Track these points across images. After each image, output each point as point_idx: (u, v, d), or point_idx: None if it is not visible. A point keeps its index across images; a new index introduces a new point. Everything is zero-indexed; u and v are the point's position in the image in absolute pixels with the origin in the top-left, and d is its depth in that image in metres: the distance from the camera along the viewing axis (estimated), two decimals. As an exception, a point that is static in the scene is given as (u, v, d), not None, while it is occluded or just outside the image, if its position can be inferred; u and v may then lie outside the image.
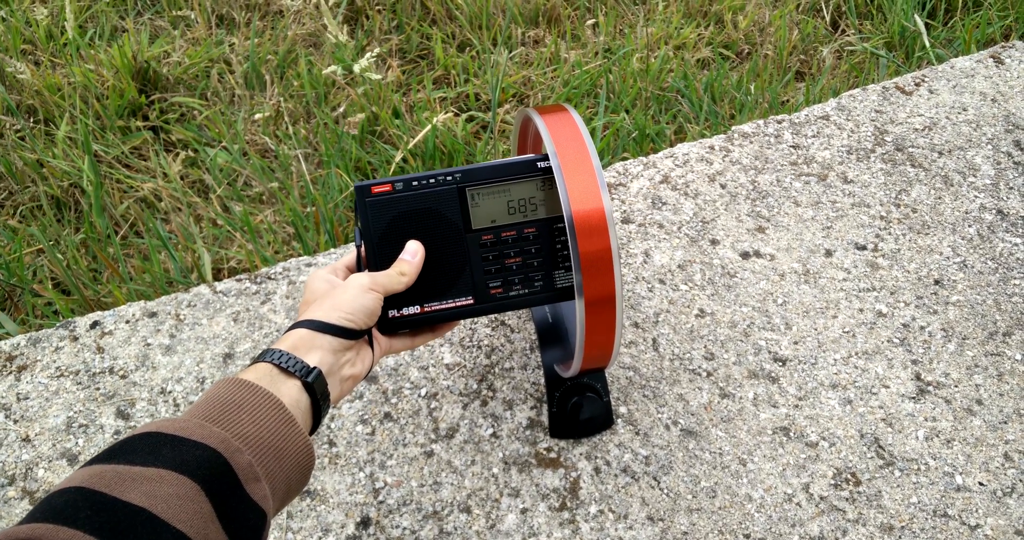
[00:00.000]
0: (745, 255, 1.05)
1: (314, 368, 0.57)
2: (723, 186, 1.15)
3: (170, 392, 0.88)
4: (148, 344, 0.93)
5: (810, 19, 1.94)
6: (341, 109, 1.56)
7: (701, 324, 0.97)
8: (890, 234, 1.09)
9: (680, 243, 1.07)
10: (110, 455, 0.45)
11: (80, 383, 0.89)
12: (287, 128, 1.54)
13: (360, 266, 0.68)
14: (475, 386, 0.90)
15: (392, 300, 0.67)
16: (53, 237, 1.30)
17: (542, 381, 0.91)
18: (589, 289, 0.69)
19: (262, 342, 0.93)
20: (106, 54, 1.64)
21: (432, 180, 0.68)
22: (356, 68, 1.51)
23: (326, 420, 0.86)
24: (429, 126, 1.44)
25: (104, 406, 0.87)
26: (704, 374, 0.92)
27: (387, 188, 0.68)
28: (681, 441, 0.85)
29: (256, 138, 1.55)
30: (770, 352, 0.94)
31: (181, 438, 0.46)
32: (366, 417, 0.87)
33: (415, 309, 0.69)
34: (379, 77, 1.54)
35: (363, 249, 0.68)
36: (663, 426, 0.87)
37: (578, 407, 0.83)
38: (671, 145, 1.49)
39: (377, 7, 1.86)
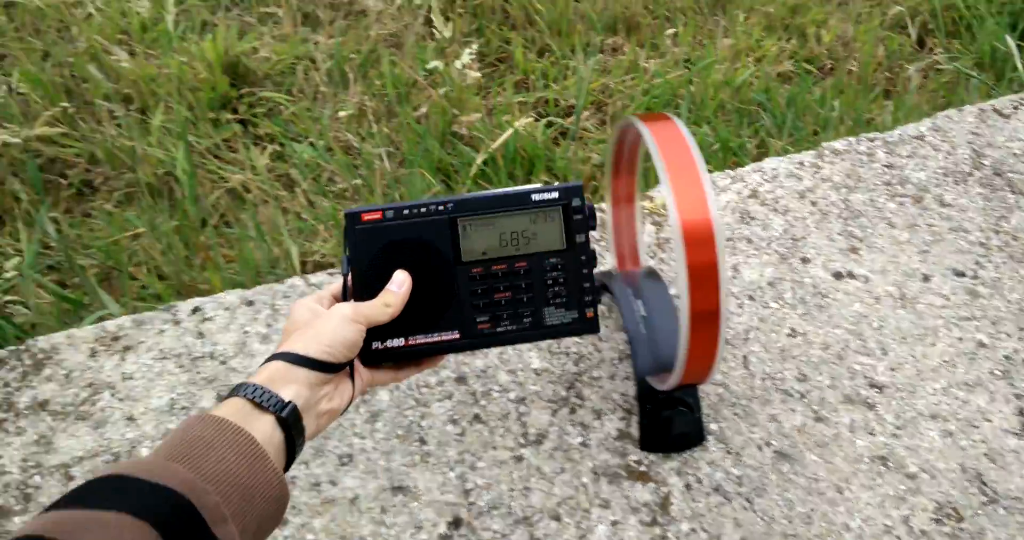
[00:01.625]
0: (838, 275, 1.04)
1: (289, 403, 0.55)
2: (814, 203, 1.14)
3: (266, 382, 0.90)
4: (246, 332, 0.95)
5: (895, 36, 1.90)
6: (423, 110, 1.58)
7: (793, 344, 0.96)
8: (990, 262, 1.06)
9: (770, 260, 1.06)
10: (71, 500, 0.44)
11: (182, 366, 0.91)
12: (370, 126, 1.57)
13: (346, 295, 0.66)
14: (563, 393, 0.91)
15: (376, 331, 0.65)
16: (149, 223, 1.34)
17: (631, 392, 0.91)
18: (694, 301, 0.69)
19: (355, 337, 0.95)
20: (197, 47, 1.69)
21: (424, 209, 0.67)
22: (458, 64, 1.53)
23: (415, 418, 0.87)
24: (511, 130, 1.45)
25: (205, 390, 0.89)
26: (797, 396, 0.91)
27: (378, 216, 0.67)
28: (774, 463, 0.85)
29: (339, 135, 1.57)
30: (866, 377, 0.92)
31: (144, 481, 0.45)
32: (456, 417, 0.88)
33: (399, 341, 0.66)
34: (477, 74, 1.56)
35: (350, 277, 0.66)
36: (755, 446, 0.86)
37: (670, 421, 0.83)
38: (754, 159, 1.47)
39: (459, 10, 1.88)
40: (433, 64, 1.60)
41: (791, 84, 1.76)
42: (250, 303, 0.98)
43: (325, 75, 1.70)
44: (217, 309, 0.97)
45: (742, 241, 1.08)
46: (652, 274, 0.93)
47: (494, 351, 0.94)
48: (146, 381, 0.90)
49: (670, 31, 1.83)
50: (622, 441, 0.86)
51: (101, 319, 1.03)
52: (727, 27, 1.92)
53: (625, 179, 0.92)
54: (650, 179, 1.33)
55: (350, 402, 0.63)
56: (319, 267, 1.30)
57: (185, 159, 1.40)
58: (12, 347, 0.94)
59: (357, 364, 0.65)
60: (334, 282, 0.69)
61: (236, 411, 0.53)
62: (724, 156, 1.52)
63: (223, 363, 0.92)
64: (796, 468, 0.84)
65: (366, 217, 0.67)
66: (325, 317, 0.61)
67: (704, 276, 0.68)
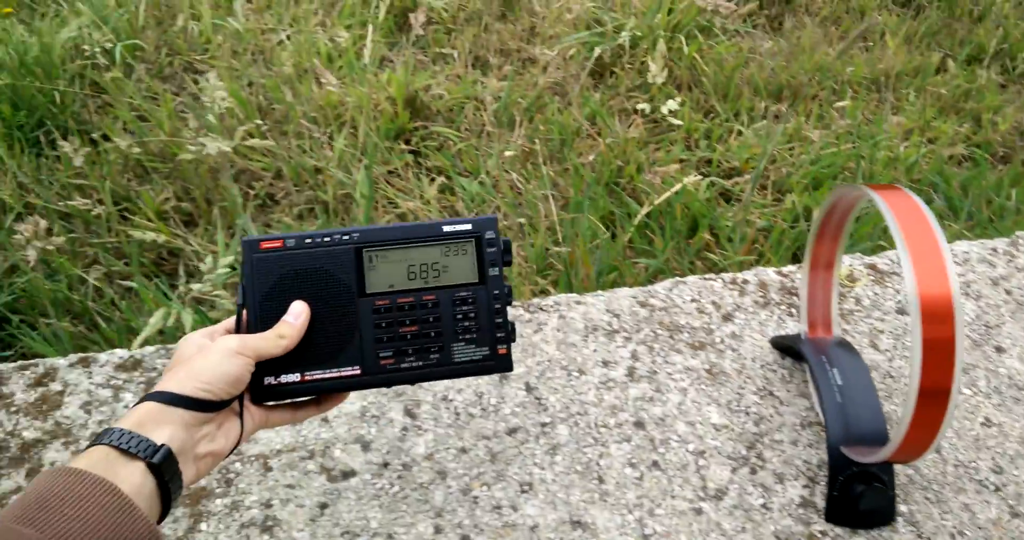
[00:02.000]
0: (1035, 368, 0.99)
1: (161, 446, 0.51)
2: (1008, 292, 1.10)
3: (451, 400, 0.93)
4: (432, 353, 0.98)
5: (1077, 129, 1.84)
6: (590, 157, 1.62)
7: (987, 434, 0.92)
8: None
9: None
10: None
11: (372, 378, 0.95)
12: (539, 169, 1.62)
13: (239, 328, 0.62)
14: (743, 452, 0.89)
15: (269, 366, 0.61)
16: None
17: (814, 460, 0.89)
18: (926, 378, 0.67)
19: (535, 368, 0.97)
20: (377, 80, 1.80)
21: (328, 239, 0.64)
22: (664, 109, 1.58)
23: (593, 457, 0.88)
24: (679, 185, 1.47)
25: (394, 402, 0.93)
26: (992, 488, 0.87)
27: (278, 244, 0.64)
28: (968, 554, 0.81)
29: (504, 173, 1.63)
30: (1072, 478, 0.87)
31: None
32: (634, 461, 0.88)
33: (295, 377, 0.63)
34: (680, 122, 1.61)
35: (244, 310, 0.63)
36: (947, 534, 0.82)
37: (862, 496, 0.81)
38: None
39: (627, 66, 1.93)
40: (642, 106, 1.66)
41: (961, 168, 1.72)
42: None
43: (492, 116, 1.78)
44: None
45: (928, 321, 1.05)
46: (845, 344, 0.92)
47: (672, 400, 0.94)
48: (339, 386, 0.94)
49: (840, 104, 1.83)
50: (805, 509, 0.84)
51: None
52: (895, 105, 1.90)
53: (828, 245, 0.92)
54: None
55: (238, 442, 0.59)
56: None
57: (365, 182, 1.48)
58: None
59: (248, 402, 0.61)
60: (232, 317, 0.65)
61: (98, 461, 0.49)
62: (892, 233, 1.49)
63: (411, 378, 0.95)
64: (994, 564, 0.80)
65: (265, 245, 0.64)
66: (205, 351, 0.57)
67: (939, 352, 0.67)
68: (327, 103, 1.71)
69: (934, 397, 0.68)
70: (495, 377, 0.95)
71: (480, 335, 0.65)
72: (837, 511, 0.82)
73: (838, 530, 0.82)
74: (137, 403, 0.54)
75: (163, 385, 0.55)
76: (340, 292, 0.64)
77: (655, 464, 0.88)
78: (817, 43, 2.08)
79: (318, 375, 0.63)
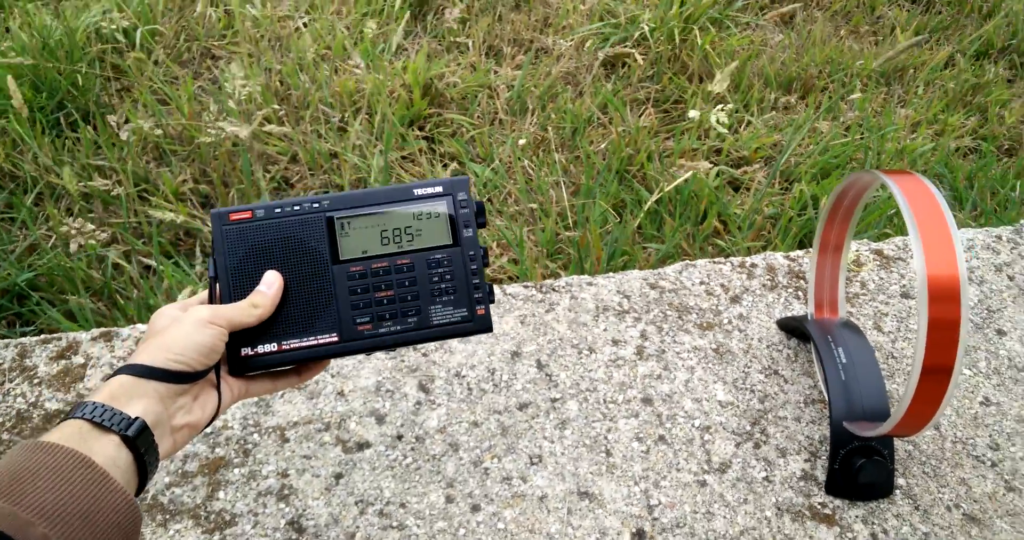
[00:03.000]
0: (1035, 352, 1.02)
1: (135, 419, 0.51)
2: (1011, 278, 1.12)
3: (464, 376, 0.96)
4: (446, 329, 1.01)
5: (1084, 123, 1.85)
6: (603, 146, 1.64)
7: (986, 412, 0.94)
8: None
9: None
10: None
11: (389, 353, 0.98)
12: (551, 156, 1.64)
13: (213, 299, 0.62)
14: (748, 427, 0.92)
15: (245, 336, 0.61)
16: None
17: (817, 436, 0.91)
18: (930, 356, 0.69)
19: (546, 347, 1.00)
20: (394, 67, 1.82)
21: (297, 207, 0.64)
22: (713, 118, 1.60)
23: (602, 431, 0.91)
24: (689, 172, 1.49)
25: (408, 377, 0.95)
26: (988, 463, 0.89)
27: (247, 215, 0.63)
28: (963, 525, 0.83)
29: (516, 160, 1.65)
30: (1068, 456, 0.90)
31: None
32: (641, 435, 0.91)
33: (271, 347, 0.62)
34: (726, 131, 1.63)
35: (217, 283, 0.63)
36: (944, 506, 0.85)
37: (862, 469, 0.83)
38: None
39: (638, 57, 1.95)
40: (692, 114, 1.69)
41: (967, 160, 1.74)
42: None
43: (505, 104, 1.80)
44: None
45: (930, 305, 1.07)
46: (851, 325, 0.94)
47: (680, 377, 0.97)
48: (356, 362, 0.97)
49: (853, 96, 1.84)
50: (806, 482, 0.87)
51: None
52: (903, 97, 1.92)
53: (838, 228, 0.94)
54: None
55: (216, 414, 0.58)
56: (496, 281, 1.37)
57: (381, 167, 1.51)
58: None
59: (225, 374, 0.61)
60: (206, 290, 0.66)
61: (71, 435, 0.49)
62: (901, 222, 1.51)
63: (425, 355, 0.98)
64: (985, 534, 0.82)
65: (234, 217, 0.63)
66: (178, 322, 0.56)
67: (944, 331, 0.69)
68: (343, 89, 1.74)
69: (936, 375, 0.70)
70: (507, 354, 0.98)
71: (457, 296, 0.65)
72: (837, 484, 0.85)
73: (837, 502, 0.85)
74: (110, 376, 0.53)
75: (136, 358, 0.54)
76: (313, 260, 0.64)
77: (661, 438, 0.91)
78: (828, 37, 2.09)
79: (295, 344, 0.63)
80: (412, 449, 0.89)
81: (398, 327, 0.65)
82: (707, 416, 0.93)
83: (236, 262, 0.63)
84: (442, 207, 0.65)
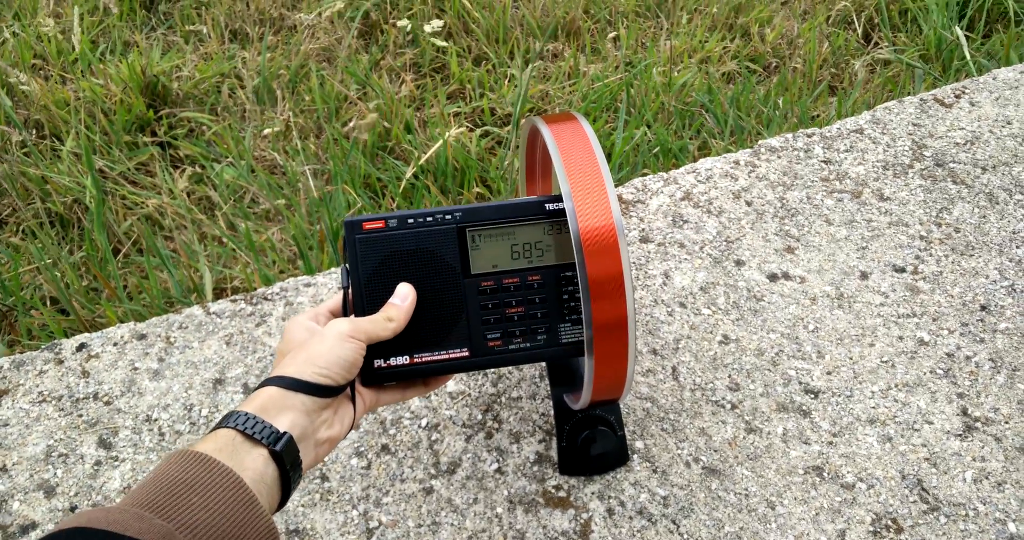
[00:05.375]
0: (773, 277, 0.98)
1: (284, 434, 0.51)
2: (749, 203, 1.08)
3: (155, 420, 0.83)
4: (135, 368, 0.88)
5: (841, 32, 1.87)
6: (352, 123, 1.52)
7: (725, 351, 0.90)
8: (931, 255, 1.01)
9: (702, 264, 1.00)
10: None
11: (62, 409, 0.84)
12: (296, 143, 1.50)
13: (346, 311, 0.62)
14: (479, 416, 0.84)
15: (378, 349, 0.61)
16: (53, 255, 1.26)
17: (551, 412, 0.84)
18: (598, 312, 0.62)
19: (255, 367, 0.88)
20: (115, 69, 1.62)
21: (429, 218, 0.63)
22: (427, 28, 1.49)
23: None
24: (440, 141, 1.39)
25: (86, 434, 0.82)
26: (728, 406, 0.85)
27: (380, 225, 0.63)
28: (703, 480, 0.78)
29: (265, 154, 1.51)
30: (801, 383, 0.86)
31: (115, 535, 0.40)
32: (362, 449, 0.81)
33: (403, 359, 0.63)
34: (444, 44, 1.51)
35: (350, 292, 0.62)
36: (683, 463, 0.80)
37: (590, 442, 0.77)
38: (694, 161, 1.43)
39: (392, 21, 1.83)
40: (402, 23, 1.56)
41: (735, 83, 1.72)
42: (142, 337, 0.91)
43: (252, 93, 1.64)
44: (106, 345, 0.90)
45: (673, 246, 1.03)
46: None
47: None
48: (22, 427, 0.82)
49: (612, 35, 1.79)
50: (541, 465, 0.80)
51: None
52: (670, 29, 1.89)
53: (540, 186, 0.86)
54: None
55: (352, 427, 0.58)
56: (235, 293, 1.23)
57: (93, 186, 1.33)
58: None
59: (358, 385, 0.61)
60: (334, 296, 0.64)
61: (224, 445, 0.49)
62: (664, 159, 1.47)
63: (108, 404, 0.84)
64: (726, 484, 0.78)
65: (367, 226, 0.63)
66: (320, 336, 0.56)
67: (607, 285, 0.62)
68: (53, 102, 1.53)
69: (611, 331, 0.63)
70: (208, 385, 0.86)
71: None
72: (569, 462, 0.78)
73: (573, 481, 0.78)
74: (258, 387, 0.54)
75: (282, 370, 0.54)
76: (445, 273, 0.63)
77: (384, 448, 0.81)
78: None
79: (427, 357, 0.63)
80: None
81: (528, 344, 0.64)
82: (435, 413, 0.84)
83: (369, 273, 0.62)
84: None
